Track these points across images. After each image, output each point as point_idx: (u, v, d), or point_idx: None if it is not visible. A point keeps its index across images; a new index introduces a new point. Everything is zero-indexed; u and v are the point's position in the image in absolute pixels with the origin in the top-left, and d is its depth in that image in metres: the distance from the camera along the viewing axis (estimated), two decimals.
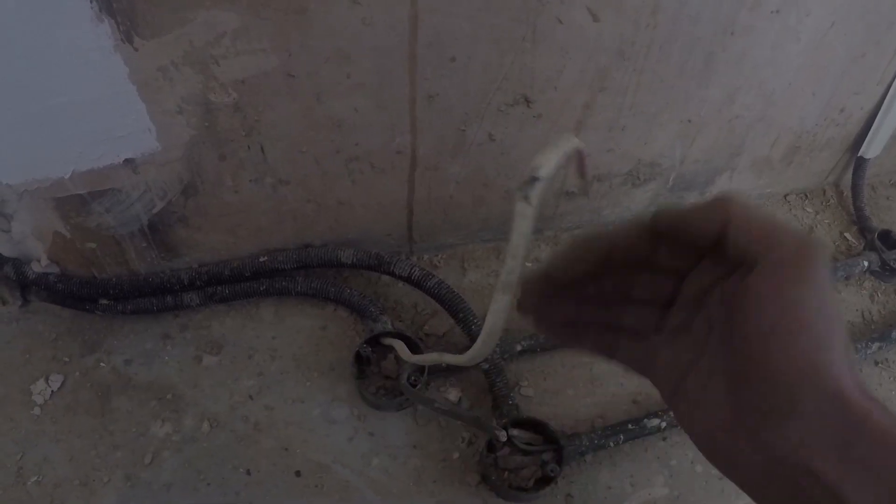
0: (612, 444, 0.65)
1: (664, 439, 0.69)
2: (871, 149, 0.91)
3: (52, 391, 0.65)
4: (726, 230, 0.23)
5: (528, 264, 0.82)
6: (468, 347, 0.45)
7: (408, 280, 0.70)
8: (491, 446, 0.62)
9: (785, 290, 0.21)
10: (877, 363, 0.81)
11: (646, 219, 0.26)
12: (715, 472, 0.69)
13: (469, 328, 0.67)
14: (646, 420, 0.66)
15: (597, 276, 0.28)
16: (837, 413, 0.21)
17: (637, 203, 0.86)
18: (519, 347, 0.70)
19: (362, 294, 0.72)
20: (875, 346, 0.79)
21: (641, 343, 0.29)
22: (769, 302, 0.21)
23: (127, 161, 0.59)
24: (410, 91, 0.60)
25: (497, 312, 0.40)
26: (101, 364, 0.68)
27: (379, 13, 0.53)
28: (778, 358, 0.21)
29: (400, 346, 0.65)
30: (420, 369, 0.65)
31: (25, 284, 0.68)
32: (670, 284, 0.27)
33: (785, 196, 0.98)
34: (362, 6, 0.52)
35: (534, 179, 0.36)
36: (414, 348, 0.66)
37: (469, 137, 0.67)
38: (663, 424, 0.66)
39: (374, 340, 0.68)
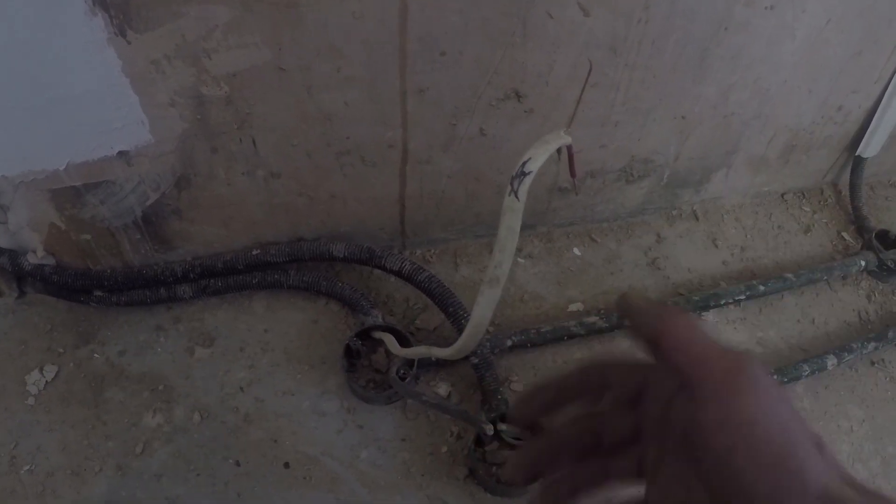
0: None
1: None
2: (870, 148, 0.91)
3: (47, 382, 0.66)
4: (659, 351, 0.24)
5: (521, 261, 0.82)
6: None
7: (399, 274, 0.70)
8: (479, 440, 0.62)
9: (730, 416, 0.21)
10: (873, 363, 0.80)
11: (588, 359, 0.27)
12: None
13: (459, 322, 0.67)
14: None
15: (561, 431, 0.28)
16: None
17: (631, 200, 0.86)
18: (509, 343, 0.71)
19: (354, 288, 0.73)
20: (871, 345, 0.78)
21: (635, 491, 0.28)
22: (719, 431, 0.21)
23: (121, 153, 0.59)
24: (401, 85, 0.60)
25: (484, 305, 0.40)
26: (95, 355, 0.69)
27: (369, 7, 0.53)
28: (751, 480, 0.21)
29: (390, 340, 0.65)
30: (409, 363, 0.66)
31: (21, 276, 0.69)
32: (630, 420, 0.27)
33: (782, 195, 0.98)
34: (353, 0, 0.52)
35: (522, 174, 0.36)
36: (404, 342, 0.66)
37: (460, 132, 0.67)
38: None
39: (365, 334, 0.68)
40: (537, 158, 0.35)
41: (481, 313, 0.41)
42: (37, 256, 0.67)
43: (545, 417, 0.28)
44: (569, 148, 0.37)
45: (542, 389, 0.28)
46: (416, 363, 0.66)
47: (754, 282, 0.82)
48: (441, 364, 0.70)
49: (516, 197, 0.36)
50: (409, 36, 0.56)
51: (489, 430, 0.61)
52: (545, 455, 0.28)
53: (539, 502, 0.29)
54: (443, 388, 0.69)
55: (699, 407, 0.22)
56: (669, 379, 0.24)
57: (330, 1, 0.52)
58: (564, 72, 0.64)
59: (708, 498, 0.23)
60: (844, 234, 0.94)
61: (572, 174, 0.40)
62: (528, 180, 0.36)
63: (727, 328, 0.80)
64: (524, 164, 0.35)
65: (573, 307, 0.79)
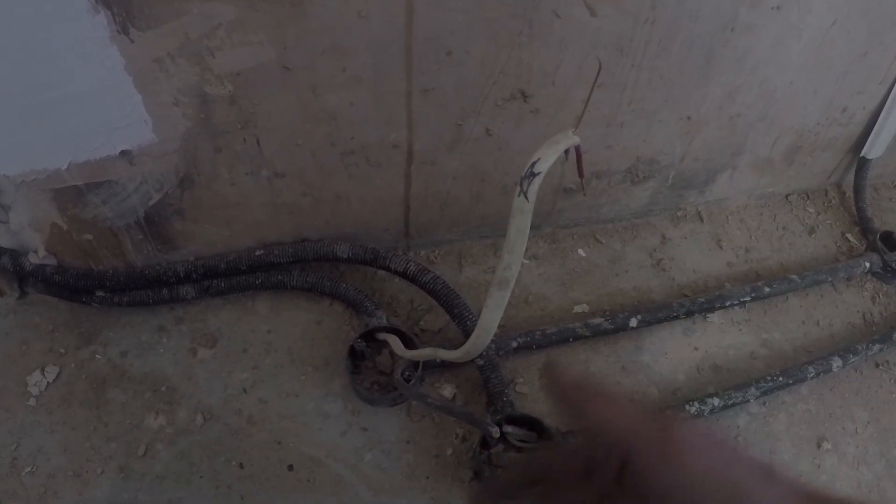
0: None
1: None
2: (874, 149, 0.91)
3: (48, 382, 0.66)
4: (591, 430, 0.25)
5: (526, 262, 0.82)
6: (463, 343, 0.45)
7: (403, 275, 0.69)
8: (485, 443, 0.62)
9: (674, 483, 0.22)
10: (877, 365, 0.80)
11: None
12: None
13: (464, 324, 0.67)
14: None
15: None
16: None
17: (636, 201, 0.86)
18: (515, 344, 0.70)
19: (358, 289, 0.72)
20: (876, 347, 0.78)
21: None
22: (668, 500, 0.22)
23: (123, 153, 0.59)
24: (406, 85, 0.60)
25: (493, 307, 0.39)
26: (97, 356, 0.68)
27: (374, 6, 0.53)
28: None
29: (394, 342, 0.65)
30: (414, 365, 0.65)
31: (23, 276, 0.69)
32: (587, 494, 0.27)
33: (787, 196, 0.97)
34: None
35: (532, 175, 0.35)
36: (409, 343, 0.66)
37: (466, 132, 0.66)
38: None
39: (369, 335, 0.68)
40: (546, 159, 0.35)
41: (490, 316, 0.40)
42: (38, 256, 0.66)
43: None
44: (577, 148, 0.37)
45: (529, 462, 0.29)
46: (420, 365, 0.65)
47: (759, 283, 0.82)
48: (446, 366, 0.69)
49: (526, 198, 0.35)
50: (415, 36, 0.56)
51: (494, 432, 0.60)
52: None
53: None
54: (448, 390, 0.69)
55: (643, 478, 0.23)
56: (610, 452, 0.25)
57: (334, 0, 0.52)
58: (571, 72, 0.63)
59: None
60: (849, 236, 0.94)
61: (580, 175, 0.40)
62: (537, 181, 0.35)
63: (732, 329, 0.80)
64: (533, 164, 0.35)
65: (578, 308, 0.79)
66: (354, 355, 0.67)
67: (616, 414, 0.25)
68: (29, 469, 0.60)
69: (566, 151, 0.36)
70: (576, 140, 0.36)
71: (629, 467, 0.23)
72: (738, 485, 0.21)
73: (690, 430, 0.23)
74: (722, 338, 0.79)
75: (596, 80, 0.38)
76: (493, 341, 0.69)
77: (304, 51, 0.55)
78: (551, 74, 0.63)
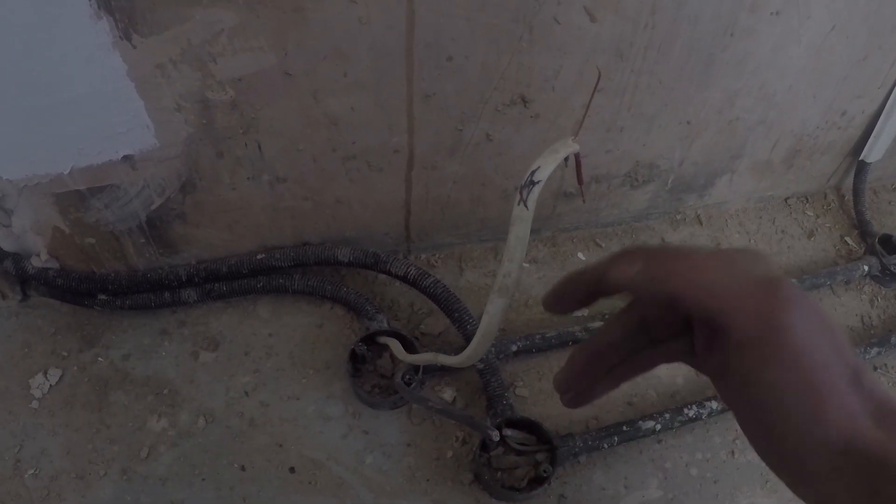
0: (606, 445, 0.65)
1: (659, 441, 0.68)
2: (873, 153, 0.91)
3: (51, 385, 0.66)
4: (673, 301, 0.22)
5: (526, 265, 0.82)
6: (463, 347, 0.45)
7: (404, 279, 0.70)
8: (484, 446, 0.62)
9: (763, 372, 0.20)
10: (876, 368, 0.80)
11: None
12: (710, 475, 0.69)
13: (464, 328, 0.67)
14: (640, 422, 0.66)
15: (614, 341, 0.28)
16: (856, 467, 0.20)
17: (635, 204, 0.86)
18: (514, 347, 0.71)
19: (359, 292, 0.73)
20: (874, 350, 0.78)
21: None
22: (754, 382, 0.21)
23: (125, 157, 0.59)
24: (407, 90, 0.60)
25: (492, 315, 0.40)
26: (100, 359, 0.68)
27: (376, 12, 0.53)
28: (782, 431, 0.20)
29: (395, 345, 0.65)
30: (415, 368, 0.65)
31: (25, 279, 0.69)
32: (678, 316, 0.26)
33: (786, 199, 0.98)
34: (359, 5, 0.52)
35: (531, 183, 0.36)
36: (409, 347, 0.66)
37: (466, 137, 0.67)
38: (658, 427, 0.66)
39: (370, 339, 0.68)
40: (546, 167, 0.35)
41: (490, 322, 0.41)
42: (41, 260, 0.67)
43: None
44: (576, 156, 0.37)
45: (574, 283, 0.27)
46: (421, 368, 0.66)
47: None
48: (446, 369, 0.70)
49: (525, 206, 0.36)
50: (416, 41, 0.56)
51: (494, 435, 0.61)
52: (594, 364, 0.28)
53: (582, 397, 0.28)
54: (448, 394, 0.69)
55: (733, 360, 0.21)
56: (705, 321, 0.22)
57: (336, 5, 0.52)
58: (571, 77, 0.64)
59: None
60: (848, 239, 0.94)
61: (579, 181, 0.40)
62: (537, 189, 0.36)
63: None
64: (533, 173, 0.35)
65: (578, 313, 0.79)
66: (355, 359, 0.67)
67: (710, 275, 0.21)
68: (32, 471, 0.61)
69: (566, 158, 0.37)
70: (575, 147, 0.37)
71: (724, 341, 0.21)
72: (823, 386, 0.20)
73: (800, 303, 0.20)
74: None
75: (595, 87, 0.38)
76: (492, 345, 0.69)
77: (306, 56, 0.55)
78: (551, 79, 0.63)
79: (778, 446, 0.21)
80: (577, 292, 0.28)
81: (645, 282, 0.23)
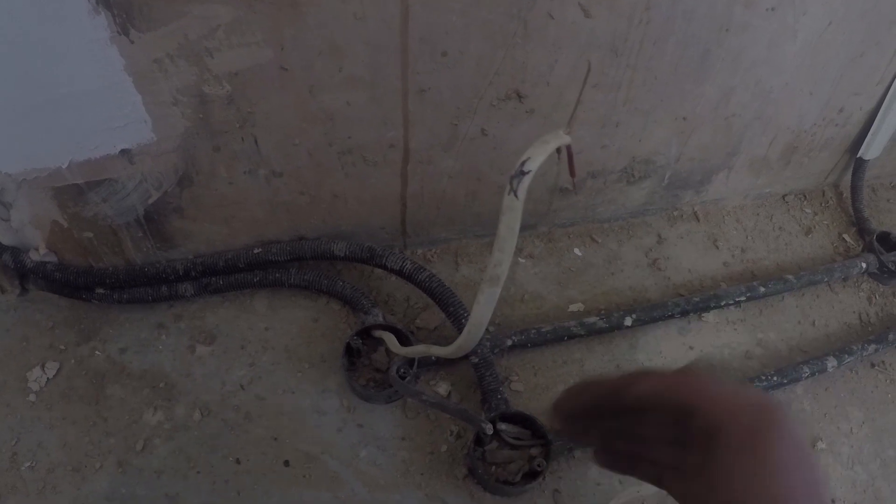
0: None
1: None
2: (871, 150, 0.91)
3: (48, 378, 0.66)
4: (688, 410, 0.24)
5: (522, 260, 0.83)
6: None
7: (399, 273, 0.70)
8: (479, 440, 0.62)
9: (753, 471, 0.22)
10: (873, 365, 0.80)
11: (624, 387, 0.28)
12: None
13: (459, 322, 0.67)
14: None
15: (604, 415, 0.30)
16: None
17: (632, 200, 0.86)
18: (509, 342, 0.71)
19: (355, 287, 0.73)
20: (871, 347, 0.78)
21: (672, 480, 0.29)
22: (740, 483, 0.22)
23: (123, 151, 0.59)
24: (402, 85, 0.60)
25: (483, 304, 0.40)
26: (97, 352, 0.69)
27: (370, 8, 0.54)
28: None
29: (390, 339, 0.65)
30: (410, 362, 0.66)
31: (24, 273, 0.69)
32: (672, 429, 0.28)
33: (783, 196, 0.98)
34: (353, 0, 0.53)
35: (521, 174, 0.36)
36: (404, 341, 0.67)
37: (461, 132, 0.67)
38: None
39: (366, 333, 0.69)
40: (536, 158, 0.35)
41: (481, 312, 0.41)
42: (39, 254, 0.67)
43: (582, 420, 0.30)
44: (568, 148, 0.37)
45: (591, 391, 0.29)
46: (416, 362, 0.66)
47: (755, 283, 0.82)
48: (441, 363, 0.70)
49: (515, 196, 0.36)
50: (411, 36, 0.56)
51: (489, 429, 0.61)
52: (589, 409, 0.29)
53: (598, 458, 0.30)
54: (443, 388, 0.69)
55: (725, 459, 0.22)
56: (701, 426, 0.24)
57: (331, 1, 0.53)
58: (565, 72, 0.64)
59: None
60: (845, 236, 0.94)
61: (572, 174, 0.40)
62: (527, 179, 0.36)
63: (727, 329, 0.80)
64: (523, 163, 0.35)
65: (573, 307, 0.79)
66: (351, 352, 0.67)
67: (716, 390, 0.24)
68: (28, 464, 0.61)
69: (558, 151, 0.37)
70: (567, 139, 0.37)
71: (715, 444, 0.23)
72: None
73: (788, 433, 0.23)
74: (717, 337, 0.79)
75: (586, 80, 0.38)
76: (488, 339, 0.69)
77: (302, 51, 0.55)
78: (546, 75, 0.63)
79: None
80: (593, 399, 0.30)
81: (663, 391, 0.27)
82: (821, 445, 0.72)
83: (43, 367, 0.67)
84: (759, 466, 0.22)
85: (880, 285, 0.89)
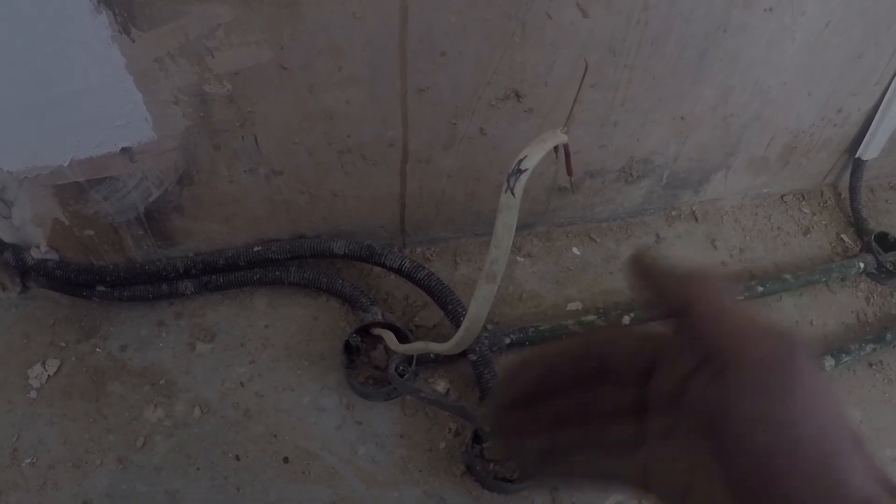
0: None
1: None
2: (869, 150, 0.91)
3: (49, 375, 0.67)
4: (688, 319, 0.20)
5: (520, 259, 0.83)
6: None
7: (398, 271, 0.70)
8: (477, 437, 0.62)
9: (771, 412, 0.19)
10: (871, 365, 0.80)
11: (589, 332, 0.23)
12: None
13: (458, 319, 0.68)
14: None
15: (547, 395, 0.24)
16: None
17: (630, 200, 0.86)
18: (508, 341, 0.71)
19: (354, 285, 0.73)
20: (869, 347, 0.78)
21: (632, 460, 0.24)
22: (758, 428, 0.19)
23: (124, 150, 0.60)
24: (401, 84, 0.61)
25: (480, 300, 0.40)
26: (97, 349, 0.69)
27: (370, 8, 0.54)
28: (789, 487, 0.18)
29: (389, 336, 0.66)
30: (408, 359, 0.66)
31: (25, 270, 0.70)
32: (633, 391, 0.23)
33: (782, 196, 0.98)
34: (352, 0, 0.53)
35: (518, 171, 0.36)
36: (403, 339, 0.67)
37: (460, 131, 0.67)
38: None
39: (365, 330, 0.69)
40: (533, 156, 0.36)
41: (478, 308, 0.41)
42: (40, 251, 0.68)
43: (530, 403, 0.24)
44: (565, 147, 0.38)
45: (529, 368, 0.24)
46: (414, 360, 0.66)
47: (753, 283, 0.82)
48: (440, 361, 0.70)
49: (512, 194, 0.36)
50: (410, 36, 0.57)
51: (487, 426, 0.61)
52: (526, 428, 0.25)
53: (519, 452, 0.25)
54: (441, 385, 0.70)
55: (733, 394, 0.19)
56: (691, 351, 0.21)
57: (330, 1, 0.53)
58: (564, 72, 0.64)
59: (723, 484, 0.20)
60: (844, 237, 0.94)
61: (568, 172, 0.41)
62: (524, 177, 0.36)
63: None
64: (520, 161, 0.36)
65: (572, 306, 0.80)
66: (350, 350, 0.68)
67: (726, 309, 0.20)
68: (29, 460, 0.61)
69: (555, 149, 0.37)
70: (563, 138, 0.37)
71: (711, 373, 0.19)
72: (835, 448, 0.18)
73: (807, 363, 0.19)
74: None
75: (583, 79, 0.39)
76: (486, 337, 0.70)
77: (301, 51, 0.56)
78: (544, 75, 0.64)
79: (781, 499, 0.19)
80: (544, 369, 0.25)
81: (664, 292, 0.22)
82: None
83: (44, 364, 0.67)
84: (780, 411, 0.18)
85: (878, 285, 0.89)
